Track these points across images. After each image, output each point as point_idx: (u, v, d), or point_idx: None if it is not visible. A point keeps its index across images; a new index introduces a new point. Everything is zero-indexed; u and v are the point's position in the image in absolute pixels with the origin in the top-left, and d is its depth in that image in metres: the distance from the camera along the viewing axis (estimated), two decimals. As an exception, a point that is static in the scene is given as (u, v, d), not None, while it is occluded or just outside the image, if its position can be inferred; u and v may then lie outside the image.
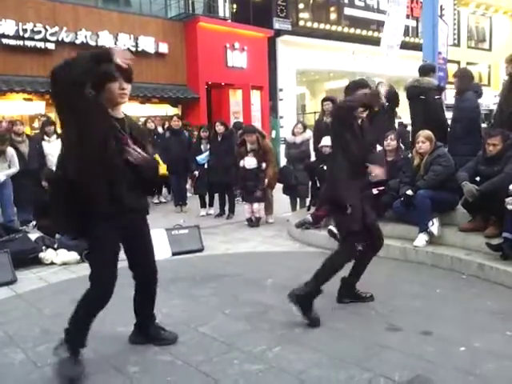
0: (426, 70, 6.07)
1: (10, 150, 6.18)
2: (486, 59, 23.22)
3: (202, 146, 7.84)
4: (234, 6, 16.15)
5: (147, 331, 3.05)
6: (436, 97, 5.88)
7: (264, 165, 6.75)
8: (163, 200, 9.44)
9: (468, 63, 22.77)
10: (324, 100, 6.94)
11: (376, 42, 16.90)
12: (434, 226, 4.76)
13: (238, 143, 7.19)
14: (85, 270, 4.79)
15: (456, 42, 21.74)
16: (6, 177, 6.40)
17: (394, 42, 7.88)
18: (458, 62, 21.76)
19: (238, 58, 14.34)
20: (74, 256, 5.10)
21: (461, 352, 2.83)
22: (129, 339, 3.08)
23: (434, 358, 2.75)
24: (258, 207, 6.86)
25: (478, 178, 4.63)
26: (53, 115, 10.71)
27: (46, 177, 6.15)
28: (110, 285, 2.71)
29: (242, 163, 6.81)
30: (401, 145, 5.82)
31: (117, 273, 2.72)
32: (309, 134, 7.19)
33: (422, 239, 4.75)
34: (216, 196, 7.93)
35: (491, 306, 3.53)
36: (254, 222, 6.83)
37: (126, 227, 2.68)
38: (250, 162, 6.73)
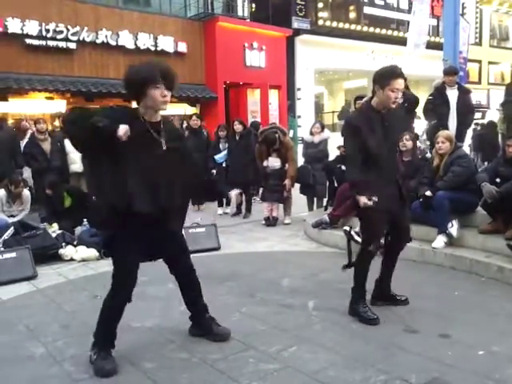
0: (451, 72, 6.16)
1: (26, 193, 6.08)
2: (509, 58, 22.76)
3: (221, 145, 7.87)
4: (253, 5, 16.15)
5: (200, 324, 3.09)
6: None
7: (287, 165, 6.72)
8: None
9: (490, 62, 22.40)
10: (357, 98, 6.89)
11: (396, 41, 16.82)
12: (453, 227, 4.70)
13: (257, 141, 7.17)
14: (103, 266, 4.90)
15: (478, 40, 21.37)
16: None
17: (420, 40, 7.80)
18: (480, 62, 21.41)
19: (256, 58, 14.33)
20: (93, 253, 5.18)
21: (479, 356, 2.79)
22: (189, 332, 3.14)
23: (452, 361, 2.72)
24: (277, 207, 6.85)
25: (498, 180, 4.56)
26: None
27: (49, 185, 6.24)
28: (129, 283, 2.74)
29: (265, 163, 6.77)
30: (419, 144, 5.76)
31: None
32: (327, 133, 7.16)
33: (440, 241, 4.69)
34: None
35: (510, 310, 3.47)
36: (271, 222, 6.83)
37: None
38: (273, 163, 6.68)
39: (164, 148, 2.69)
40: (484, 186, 4.43)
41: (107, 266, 4.91)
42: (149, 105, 2.65)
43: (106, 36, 11.83)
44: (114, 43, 11.95)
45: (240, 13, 15.02)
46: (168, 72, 2.72)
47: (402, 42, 13.41)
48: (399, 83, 3.13)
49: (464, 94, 6.20)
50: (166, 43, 12.82)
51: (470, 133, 8.37)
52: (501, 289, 3.94)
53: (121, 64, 12.20)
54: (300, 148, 9.32)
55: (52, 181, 6.28)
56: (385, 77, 3.20)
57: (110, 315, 2.78)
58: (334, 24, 16.67)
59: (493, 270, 4.17)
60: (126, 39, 12.11)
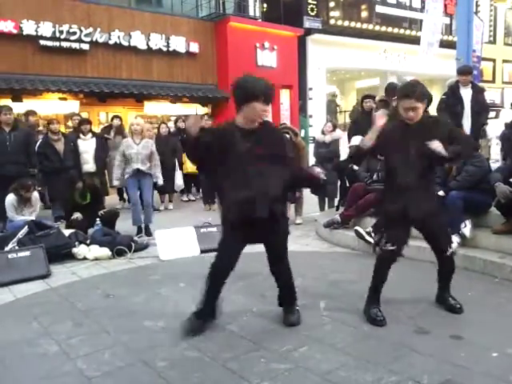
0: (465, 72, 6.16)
1: (35, 195, 6.12)
2: (524, 56, 22.46)
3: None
4: (265, 5, 16.14)
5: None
6: None
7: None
8: (192, 198, 9.56)
9: (504, 61, 22.12)
10: (364, 98, 6.86)
11: (408, 40, 16.70)
12: (467, 227, 4.65)
13: None
14: (116, 265, 4.95)
15: (492, 39, 21.11)
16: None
17: (434, 39, 7.74)
18: (494, 60, 21.15)
19: (267, 58, 14.33)
20: (105, 252, 5.22)
21: (493, 358, 2.76)
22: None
23: (465, 363, 2.69)
24: (289, 207, 6.82)
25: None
26: (86, 114, 11.00)
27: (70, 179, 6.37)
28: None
29: None
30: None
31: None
32: (338, 133, 7.13)
33: (453, 241, 4.64)
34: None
35: (525, 311, 3.44)
36: None
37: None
38: None
39: (257, 153, 2.95)
40: (498, 185, 4.38)
41: (119, 265, 4.99)
42: (248, 115, 2.98)
43: (119, 37, 11.91)
44: (126, 44, 12.03)
45: (251, 13, 15.02)
46: (270, 89, 3.04)
47: (415, 40, 13.32)
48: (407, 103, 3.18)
49: (478, 92, 6.14)
50: (178, 43, 12.88)
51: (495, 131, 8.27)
52: (515, 290, 3.90)
53: (133, 64, 12.30)
54: (312, 147, 9.29)
55: (72, 176, 6.48)
56: (398, 94, 3.34)
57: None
58: (346, 23, 16.60)
59: (506, 271, 4.12)
60: (138, 40, 12.19)
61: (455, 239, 4.62)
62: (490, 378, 2.55)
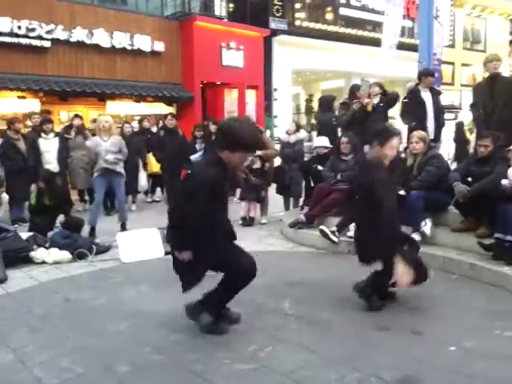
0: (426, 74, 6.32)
1: (5, 196, 6.03)
2: (481, 60, 23.31)
3: (197, 146, 7.82)
4: (231, 5, 16.13)
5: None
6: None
7: (267, 165, 6.68)
8: (157, 199, 9.42)
9: (463, 64, 22.88)
10: (321, 98, 6.97)
11: (372, 42, 17.02)
12: (427, 226, 4.77)
13: None
14: (76, 269, 4.81)
15: (451, 43, 21.79)
16: None
17: (393, 42, 7.92)
18: (453, 63, 21.85)
19: (233, 58, 14.31)
20: (65, 255, 5.07)
21: (451, 352, 2.84)
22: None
23: (425, 358, 2.75)
24: (255, 206, 6.82)
25: (469, 179, 4.65)
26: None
27: (43, 177, 6.17)
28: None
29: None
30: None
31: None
32: (303, 133, 7.18)
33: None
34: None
35: (482, 306, 3.55)
36: (248, 221, 6.80)
37: None
38: (254, 162, 6.59)
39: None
40: (456, 185, 4.52)
41: (80, 268, 4.86)
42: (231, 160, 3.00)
43: (81, 34, 11.64)
44: (89, 42, 11.77)
45: (217, 12, 14.97)
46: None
47: (378, 43, 13.55)
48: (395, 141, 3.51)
49: (436, 95, 6.30)
50: (143, 42, 12.70)
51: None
52: (472, 286, 4.02)
53: (96, 63, 12.04)
54: (277, 148, 9.32)
55: (47, 175, 6.25)
56: (384, 137, 3.52)
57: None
58: (311, 25, 16.78)
59: (465, 268, 4.25)
60: (101, 38, 11.94)
61: (416, 237, 4.74)
62: (448, 371, 2.61)
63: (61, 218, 5.97)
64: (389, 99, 6.29)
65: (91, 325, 3.35)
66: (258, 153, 6.47)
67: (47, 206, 6.01)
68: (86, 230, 5.92)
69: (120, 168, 6.11)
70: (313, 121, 16.01)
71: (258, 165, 6.61)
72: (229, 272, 3.13)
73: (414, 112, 6.09)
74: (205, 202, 2.87)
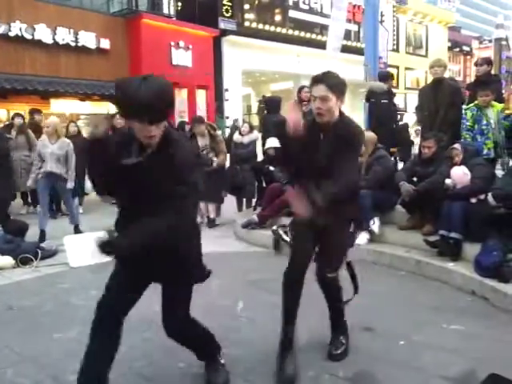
0: (383, 77, 6.53)
1: None
2: (423, 65, 24.37)
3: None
4: (179, 3, 15.95)
5: None
6: (383, 101, 6.20)
7: (218, 157, 6.52)
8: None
9: (406, 68, 23.83)
10: (263, 97, 7.00)
11: (320, 44, 17.33)
12: (375, 224, 4.92)
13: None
14: (19, 275, 4.59)
15: (395, 47, 22.65)
16: None
17: (336, 45, 8.09)
18: (398, 67, 22.70)
19: (182, 57, 14.17)
20: (8, 260, 4.82)
21: (400, 346, 2.94)
22: None
23: (376, 353, 2.83)
24: (213, 207, 6.71)
25: (414, 179, 4.84)
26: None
27: None
28: None
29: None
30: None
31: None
32: (255, 134, 7.20)
33: (363, 237, 4.89)
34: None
35: (428, 301, 3.69)
36: (211, 223, 6.67)
37: None
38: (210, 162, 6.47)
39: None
40: (402, 184, 4.68)
41: (24, 274, 4.64)
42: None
43: (21, 29, 11.11)
44: (29, 37, 11.26)
45: (165, 11, 14.76)
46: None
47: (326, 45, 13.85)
48: (314, 90, 2.55)
49: (393, 97, 6.56)
50: (88, 39, 12.31)
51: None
52: (418, 281, 4.18)
53: (38, 59, 11.54)
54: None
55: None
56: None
57: None
58: (260, 26, 16.91)
59: (411, 264, 4.41)
60: (42, 33, 11.45)
61: (365, 235, 4.88)
62: (399, 365, 2.70)
63: None
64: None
65: (37, 334, 3.20)
66: (211, 155, 6.43)
67: None
68: (30, 235, 5.66)
69: (65, 173, 5.88)
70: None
71: (214, 164, 6.49)
72: None
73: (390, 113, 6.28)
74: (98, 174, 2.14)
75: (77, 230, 5.98)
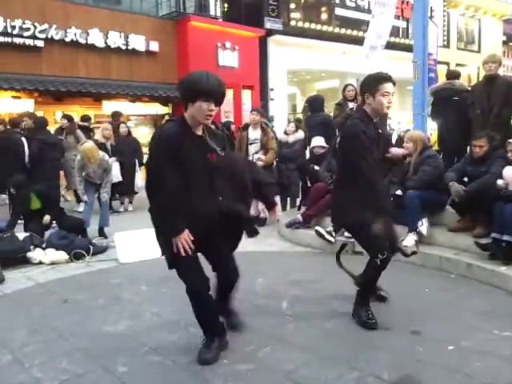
0: (455, 75, 6.29)
1: None
2: (475, 61, 23.42)
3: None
4: (226, 5, 16.12)
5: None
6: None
7: (268, 154, 6.56)
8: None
9: (457, 64, 22.98)
10: (308, 98, 6.98)
11: (367, 42, 17.07)
12: (423, 225, 4.79)
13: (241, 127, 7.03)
14: (73, 269, 4.80)
15: (446, 43, 21.90)
16: None
17: (379, 43, 7.90)
18: (448, 64, 21.92)
19: (229, 58, 14.30)
20: (62, 255, 5.06)
21: (449, 351, 2.86)
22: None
23: (423, 358, 2.77)
24: (263, 207, 6.71)
25: (465, 179, 4.68)
26: (42, 113, 10.65)
27: (14, 184, 6.08)
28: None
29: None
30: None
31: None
32: (301, 133, 7.17)
33: (411, 239, 4.77)
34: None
35: (479, 306, 3.57)
36: (261, 222, 6.68)
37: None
38: (259, 160, 6.44)
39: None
40: (452, 185, 4.54)
41: (77, 268, 4.85)
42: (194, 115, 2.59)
43: (76, 34, 11.59)
44: (83, 41, 11.72)
45: (212, 12, 14.95)
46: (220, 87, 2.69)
47: (373, 43, 13.61)
48: (388, 87, 3.06)
49: None
50: (138, 42, 12.66)
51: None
52: (469, 285, 4.04)
53: (91, 63, 11.99)
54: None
55: (17, 180, 6.09)
56: (372, 83, 3.12)
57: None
58: (306, 25, 16.78)
59: (461, 267, 4.27)
60: (96, 38, 11.89)
61: (412, 237, 4.77)
62: (446, 370, 2.63)
63: (46, 218, 5.78)
64: None
65: (89, 326, 3.35)
66: (259, 154, 6.47)
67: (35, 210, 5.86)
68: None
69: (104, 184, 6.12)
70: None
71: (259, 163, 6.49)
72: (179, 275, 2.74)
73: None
74: (166, 166, 2.48)
75: (101, 233, 6.08)
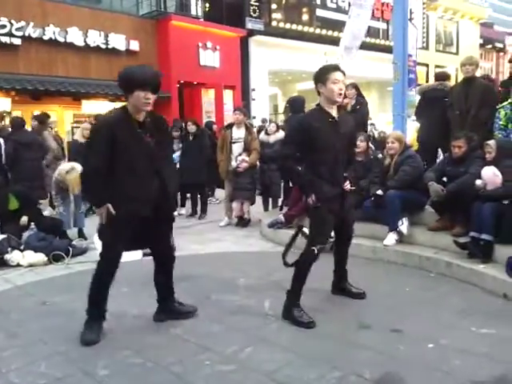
0: (444, 76, 6.34)
1: None
2: (454, 62, 23.84)
3: (174, 146, 7.75)
4: (207, 4, 16.08)
5: (170, 308, 3.34)
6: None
7: (251, 155, 6.57)
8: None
9: (436, 66, 23.33)
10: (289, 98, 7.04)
11: (347, 43, 17.21)
12: (404, 225, 4.84)
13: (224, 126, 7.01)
14: (53, 271, 4.72)
15: (425, 45, 22.23)
16: None
17: (354, 44, 7.97)
18: (427, 65, 22.27)
19: (210, 58, 14.28)
20: (41, 257, 4.96)
21: (429, 349, 2.89)
22: (153, 318, 3.34)
23: (404, 356, 2.80)
24: (247, 207, 6.73)
25: (444, 179, 4.75)
26: (19, 112, 10.44)
27: None
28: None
29: (233, 163, 6.54)
30: (370, 145, 5.91)
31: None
32: (282, 133, 7.18)
33: (391, 238, 4.83)
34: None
35: (458, 304, 3.62)
36: (245, 222, 6.70)
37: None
38: (242, 161, 6.48)
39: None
40: (431, 185, 4.60)
41: (56, 270, 4.77)
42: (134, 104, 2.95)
43: (54, 32, 11.42)
44: (62, 40, 11.56)
45: (193, 12, 14.90)
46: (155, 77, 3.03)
47: (354, 44, 13.73)
48: (338, 75, 3.24)
49: None
50: (118, 41, 12.55)
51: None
52: (448, 284, 4.10)
53: (69, 62, 11.84)
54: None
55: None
56: (323, 72, 3.32)
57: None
58: (288, 26, 16.87)
59: (441, 266, 4.33)
60: (75, 36, 11.74)
61: (393, 236, 4.82)
62: (427, 368, 2.66)
63: (23, 220, 5.61)
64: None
65: (69, 328, 3.29)
66: (243, 156, 6.47)
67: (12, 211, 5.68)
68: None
69: None
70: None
71: (244, 165, 6.50)
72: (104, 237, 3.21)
73: None
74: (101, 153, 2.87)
75: (81, 234, 5.99)
